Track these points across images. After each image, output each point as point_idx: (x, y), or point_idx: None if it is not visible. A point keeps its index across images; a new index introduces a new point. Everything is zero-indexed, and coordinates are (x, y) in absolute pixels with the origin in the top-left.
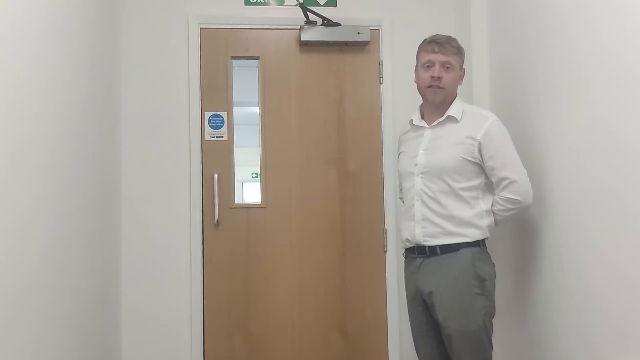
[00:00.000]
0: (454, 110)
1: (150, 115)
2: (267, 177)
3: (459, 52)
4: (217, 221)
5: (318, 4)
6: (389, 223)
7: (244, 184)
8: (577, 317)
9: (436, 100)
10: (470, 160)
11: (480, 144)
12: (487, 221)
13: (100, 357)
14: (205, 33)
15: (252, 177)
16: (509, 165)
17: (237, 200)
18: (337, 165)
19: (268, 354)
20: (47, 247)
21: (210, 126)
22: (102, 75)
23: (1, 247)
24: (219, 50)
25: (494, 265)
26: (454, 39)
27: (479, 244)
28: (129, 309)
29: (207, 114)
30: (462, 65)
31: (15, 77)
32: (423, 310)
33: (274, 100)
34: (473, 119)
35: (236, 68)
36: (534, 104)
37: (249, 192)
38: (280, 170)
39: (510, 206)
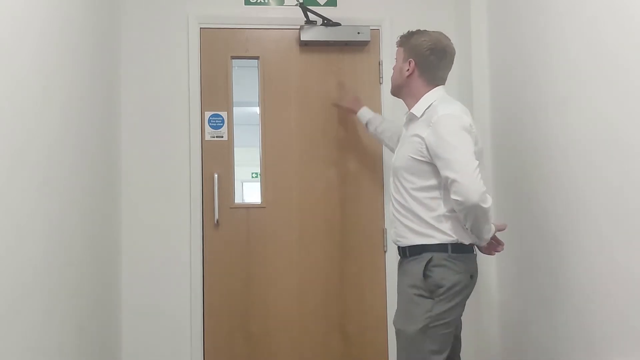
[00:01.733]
0: (417, 107)
1: (150, 115)
2: (267, 177)
3: (403, 43)
4: (217, 221)
5: (318, 4)
6: (389, 223)
7: (244, 184)
8: (578, 316)
9: (393, 96)
10: (420, 160)
11: (426, 142)
12: (449, 224)
13: (100, 358)
14: (205, 33)
15: (252, 177)
16: (450, 163)
17: (237, 200)
18: (337, 165)
19: (268, 354)
20: (47, 247)
21: (210, 126)
22: (102, 75)
23: (1, 245)
24: (219, 50)
25: (464, 274)
26: (411, 31)
27: (447, 248)
28: (129, 309)
29: (207, 114)
30: (409, 55)
31: (14, 78)
32: None
33: (274, 100)
34: (428, 116)
35: (236, 68)
36: (535, 104)
37: (249, 192)
38: (280, 170)
39: (457, 207)
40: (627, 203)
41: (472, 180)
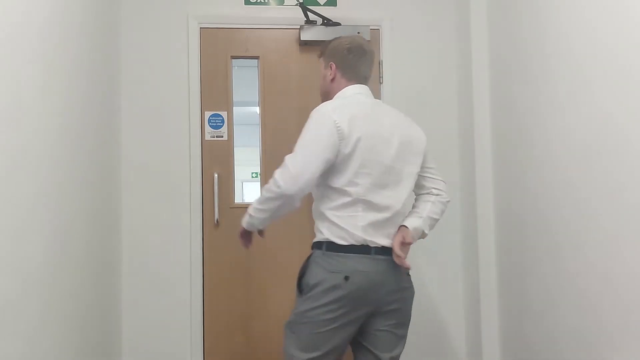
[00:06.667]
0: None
1: (150, 115)
2: (267, 176)
3: (321, 53)
4: (217, 221)
5: (318, 4)
6: None
7: (244, 183)
8: (579, 315)
9: None
10: None
11: None
12: (326, 223)
13: (100, 358)
14: (205, 33)
15: (252, 177)
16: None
17: (237, 200)
18: None
19: (268, 354)
20: (46, 247)
21: (210, 126)
22: (102, 75)
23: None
24: (219, 50)
25: (332, 273)
26: (326, 41)
27: (322, 246)
28: (129, 309)
29: (207, 114)
30: (329, 59)
31: (13, 79)
32: None
33: (274, 99)
34: None
35: (236, 68)
36: (535, 103)
37: (249, 192)
38: None
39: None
40: (630, 203)
41: (293, 170)
